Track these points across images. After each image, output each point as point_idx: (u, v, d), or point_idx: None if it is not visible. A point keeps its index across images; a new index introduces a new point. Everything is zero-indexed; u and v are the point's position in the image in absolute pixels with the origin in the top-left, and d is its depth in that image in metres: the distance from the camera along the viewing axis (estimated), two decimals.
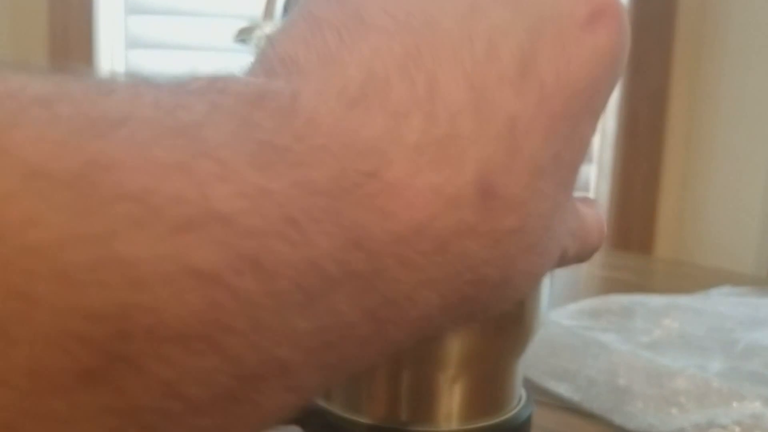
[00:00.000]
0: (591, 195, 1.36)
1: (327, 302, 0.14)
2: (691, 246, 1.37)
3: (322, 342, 0.14)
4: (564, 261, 0.22)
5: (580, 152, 0.19)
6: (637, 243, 1.34)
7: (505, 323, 0.29)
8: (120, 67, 1.32)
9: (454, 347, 0.28)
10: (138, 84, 0.15)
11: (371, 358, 0.17)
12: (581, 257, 0.23)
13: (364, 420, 0.29)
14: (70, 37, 1.29)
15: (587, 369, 0.42)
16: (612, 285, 0.78)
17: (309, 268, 0.13)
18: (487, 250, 0.17)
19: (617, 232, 1.33)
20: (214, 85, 0.15)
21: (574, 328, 0.47)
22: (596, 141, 1.34)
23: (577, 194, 0.24)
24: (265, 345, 0.13)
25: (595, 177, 1.36)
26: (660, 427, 0.38)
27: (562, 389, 0.43)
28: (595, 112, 0.20)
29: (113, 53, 1.33)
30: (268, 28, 0.62)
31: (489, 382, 0.30)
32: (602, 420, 0.41)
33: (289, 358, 0.14)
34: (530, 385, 0.45)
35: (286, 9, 0.33)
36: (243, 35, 0.67)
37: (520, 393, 0.32)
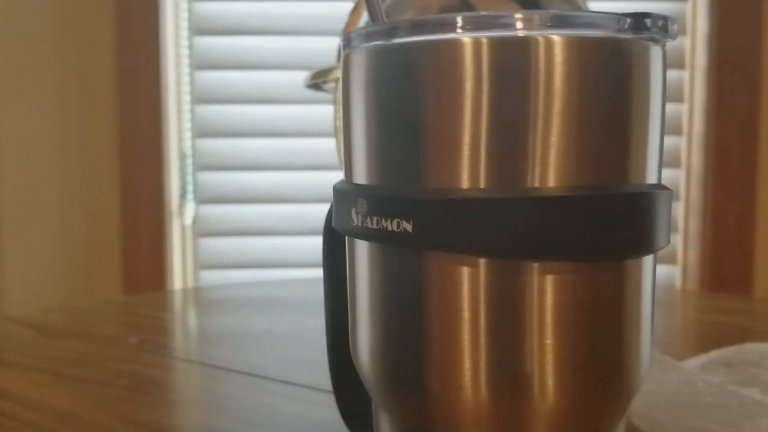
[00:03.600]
0: (680, 234, 1.28)
1: None
2: None
3: None
4: None
5: None
6: (735, 284, 1.25)
7: (604, 375, 0.26)
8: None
9: (549, 404, 0.25)
10: None
11: None
12: None
13: None
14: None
15: None
16: (717, 329, 0.71)
17: None
18: None
19: (713, 274, 1.25)
20: None
21: (725, 384, 0.40)
22: (681, 177, 1.26)
23: None
24: None
25: (683, 214, 1.28)
26: None
27: None
28: None
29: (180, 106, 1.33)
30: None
31: None
32: None
33: None
34: None
35: (373, 19, 0.30)
36: (317, 78, 0.64)
37: None
